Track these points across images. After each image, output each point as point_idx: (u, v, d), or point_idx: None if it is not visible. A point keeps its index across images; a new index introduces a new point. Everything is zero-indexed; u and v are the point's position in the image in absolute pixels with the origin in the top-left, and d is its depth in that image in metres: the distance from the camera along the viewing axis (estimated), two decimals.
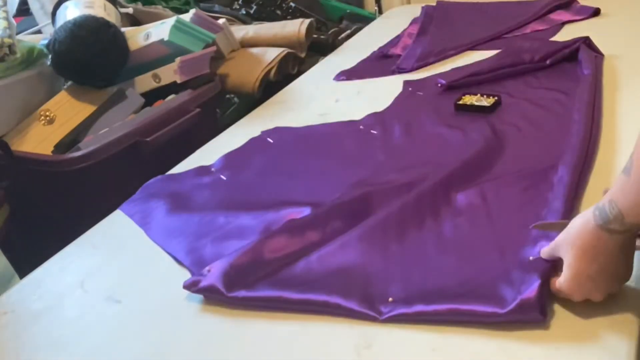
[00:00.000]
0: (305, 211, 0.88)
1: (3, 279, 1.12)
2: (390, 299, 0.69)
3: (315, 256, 0.79)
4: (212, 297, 0.75)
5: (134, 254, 0.90)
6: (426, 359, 0.63)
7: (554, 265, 0.66)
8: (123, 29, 1.46)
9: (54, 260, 0.92)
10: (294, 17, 2.00)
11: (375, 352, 0.65)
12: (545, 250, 0.68)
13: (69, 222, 1.02)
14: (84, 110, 1.38)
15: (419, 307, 0.67)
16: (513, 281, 0.67)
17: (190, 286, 0.76)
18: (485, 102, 1.16)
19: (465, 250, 0.76)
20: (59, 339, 0.76)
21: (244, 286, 0.74)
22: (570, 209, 0.78)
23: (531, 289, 0.64)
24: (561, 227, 0.66)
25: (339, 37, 1.94)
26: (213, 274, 0.75)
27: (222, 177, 1.07)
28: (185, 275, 0.82)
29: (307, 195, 0.95)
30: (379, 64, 1.56)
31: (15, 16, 1.69)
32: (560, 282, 0.64)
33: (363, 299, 0.70)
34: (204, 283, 0.75)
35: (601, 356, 0.59)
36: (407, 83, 1.37)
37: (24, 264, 1.02)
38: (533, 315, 0.63)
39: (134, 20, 1.73)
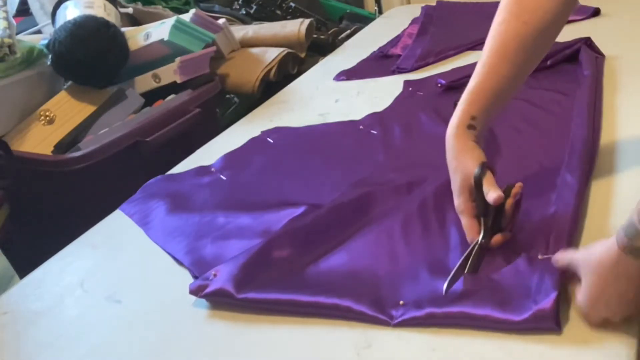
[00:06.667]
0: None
1: (3, 279, 1.12)
2: (401, 302, 0.69)
3: (324, 260, 0.78)
4: (221, 300, 0.74)
5: (134, 254, 0.91)
6: (426, 359, 0.63)
7: (570, 273, 0.65)
8: (123, 29, 1.46)
9: (54, 260, 0.92)
10: (294, 17, 2.00)
11: (375, 352, 0.65)
12: (560, 260, 0.66)
13: (69, 222, 1.02)
14: (84, 110, 1.38)
15: (430, 310, 0.67)
16: (527, 288, 0.66)
17: (197, 291, 0.75)
18: None
19: None
20: (59, 339, 0.76)
21: (253, 288, 0.74)
22: (577, 215, 0.77)
23: (548, 300, 0.63)
24: (462, 271, 0.69)
25: (339, 37, 1.94)
26: (221, 277, 0.75)
27: (222, 177, 1.07)
28: (186, 275, 0.82)
29: (307, 195, 0.95)
30: (379, 64, 1.56)
31: (15, 16, 1.69)
32: (578, 302, 0.63)
33: (374, 302, 0.69)
34: (212, 287, 0.74)
35: (601, 356, 0.59)
36: (407, 83, 1.37)
37: (24, 264, 1.02)
38: (548, 324, 0.62)
39: (134, 20, 1.73)
